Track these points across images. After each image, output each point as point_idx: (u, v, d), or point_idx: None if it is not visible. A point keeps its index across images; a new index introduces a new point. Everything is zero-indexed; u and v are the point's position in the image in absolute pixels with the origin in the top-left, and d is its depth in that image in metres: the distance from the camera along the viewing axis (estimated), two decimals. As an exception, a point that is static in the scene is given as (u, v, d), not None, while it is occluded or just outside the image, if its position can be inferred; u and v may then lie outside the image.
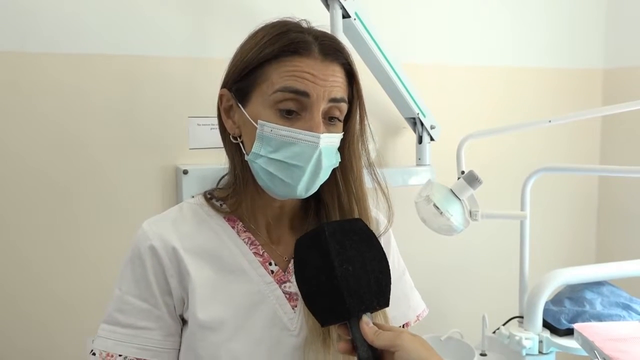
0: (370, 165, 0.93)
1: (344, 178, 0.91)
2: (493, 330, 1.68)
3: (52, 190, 1.51)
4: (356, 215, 0.90)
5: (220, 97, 0.90)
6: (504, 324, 1.66)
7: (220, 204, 0.93)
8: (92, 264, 1.55)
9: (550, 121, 1.64)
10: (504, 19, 2.09)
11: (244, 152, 0.88)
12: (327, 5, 1.53)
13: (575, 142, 2.25)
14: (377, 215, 1.00)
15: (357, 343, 0.75)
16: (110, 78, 1.54)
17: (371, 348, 0.74)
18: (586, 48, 2.25)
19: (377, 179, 0.93)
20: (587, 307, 1.58)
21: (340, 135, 0.88)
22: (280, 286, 0.89)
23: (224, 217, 0.92)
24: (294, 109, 0.83)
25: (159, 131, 1.60)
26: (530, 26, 2.13)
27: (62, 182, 1.52)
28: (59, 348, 1.53)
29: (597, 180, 2.33)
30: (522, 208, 1.68)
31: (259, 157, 0.84)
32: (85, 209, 1.55)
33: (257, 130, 0.83)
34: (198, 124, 1.62)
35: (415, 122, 1.83)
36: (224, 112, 0.90)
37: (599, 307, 1.57)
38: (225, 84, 0.89)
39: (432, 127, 1.82)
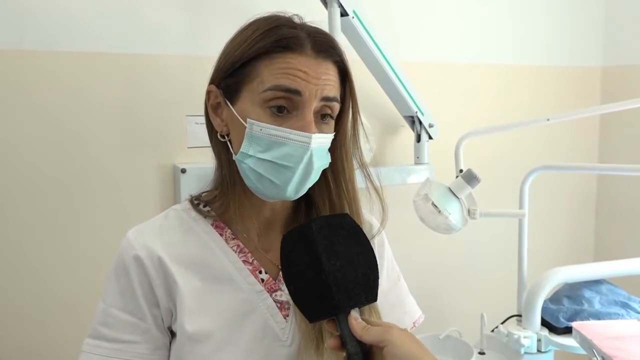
0: (363, 165, 0.90)
1: (335, 179, 0.88)
2: (491, 329, 1.68)
3: (50, 188, 1.51)
4: None
5: (208, 93, 0.86)
6: (502, 323, 1.66)
7: (208, 210, 0.90)
8: (90, 261, 1.55)
9: (548, 119, 1.64)
10: (503, 16, 2.08)
11: (232, 151, 0.85)
12: (325, 4, 1.53)
13: (574, 140, 2.25)
14: (369, 219, 0.98)
15: (346, 339, 0.74)
16: (108, 76, 1.54)
17: (360, 343, 0.73)
18: (585, 46, 2.25)
19: (370, 180, 0.90)
20: (586, 306, 1.58)
21: (331, 136, 0.84)
22: (271, 295, 0.86)
23: (212, 224, 0.89)
24: (284, 107, 0.79)
25: (157, 130, 1.60)
26: (529, 24, 2.13)
27: (60, 180, 1.52)
28: (57, 346, 1.53)
29: (595, 178, 2.33)
30: (521, 206, 1.68)
31: (248, 157, 0.81)
32: (83, 207, 1.54)
33: (246, 129, 0.80)
34: (196, 123, 1.62)
35: (413, 121, 1.83)
36: (211, 110, 0.87)
37: (597, 306, 1.57)
38: (213, 80, 0.86)
39: (430, 126, 1.82)
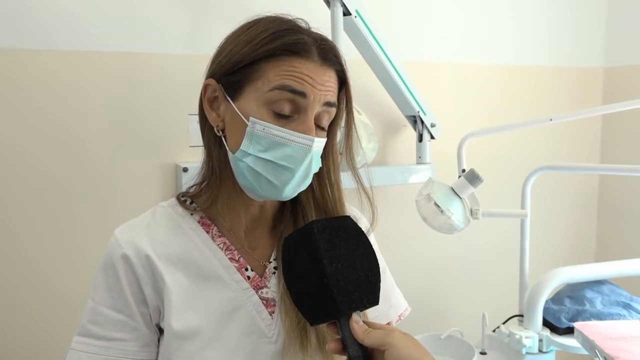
0: (355, 169, 0.91)
1: (319, 182, 0.90)
2: (493, 329, 1.68)
3: (51, 188, 1.51)
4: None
5: (205, 87, 0.86)
6: (504, 323, 1.66)
7: (195, 206, 0.90)
8: (92, 261, 1.53)
9: (551, 119, 1.64)
10: (505, 17, 2.08)
11: (227, 147, 0.85)
12: (328, 3, 1.53)
13: (576, 140, 2.25)
14: (357, 215, 0.98)
15: (347, 342, 0.74)
16: (109, 75, 1.54)
17: (361, 347, 0.73)
18: (587, 46, 2.25)
19: (361, 184, 0.91)
20: (588, 306, 1.58)
21: (325, 140, 0.86)
22: (257, 292, 0.87)
23: (198, 221, 0.90)
24: (287, 110, 0.80)
25: (159, 129, 1.59)
26: (531, 24, 2.13)
27: (61, 180, 1.51)
28: (56, 345, 1.53)
29: (597, 178, 2.33)
30: (523, 206, 1.68)
31: (247, 156, 0.81)
32: (85, 207, 1.54)
33: (248, 128, 0.81)
34: (198, 122, 1.61)
35: (415, 120, 1.82)
36: (207, 103, 0.86)
37: (599, 306, 1.57)
38: (213, 74, 0.85)
39: (432, 125, 1.81)
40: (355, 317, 0.74)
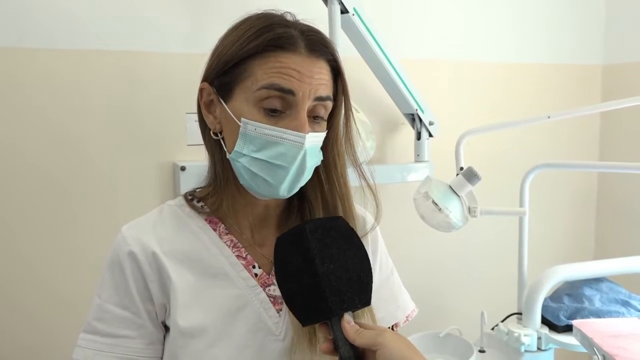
0: (356, 163, 0.90)
1: (327, 176, 0.89)
2: (492, 327, 1.68)
3: (50, 187, 1.51)
4: (340, 213, 0.88)
5: (201, 90, 0.87)
6: (502, 321, 1.66)
7: (201, 205, 0.90)
8: (91, 260, 1.55)
9: (549, 117, 1.64)
10: (504, 14, 2.08)
11: (225, 149, 0.85)
12: (326, 1, 1.53)
13: (575, 138, 2.25)
14: (363, 214, 0.98)
15: (339, 342, 0.73)
16: (108, 74, 1.54)
17: (353, 347, 0.73)
18: (586, 44, 2.25)
19: (364, 177, 0.90)
20: (586, 304, 1.58)
21: (324, 134, 0.85)
22: (264, 289, 0.87)
23: (205, 219, 0.89)
24: (278, 107, 0.80)
25: (157, 128, 1.59)
26: (530, 22, 2.13)
27: (59, 179, 1.52)
28: (58, 346, 1.53)
29: (596, 176, 2.33)
30: (521, 204, 1.68)
31: (242, 156, 0.82)
32: (83, 206, 1.54)
33: (240, 129, 0.81)
34: (196, 120, 1.58)
35: (413, 118, 1.83)
36: (204, 107, 0.87)
37: (597, 304, 1.57)
38: (206, 78, 0.86)
39: (430, 123, 1.82)
40: (347, 317, 0.74)
